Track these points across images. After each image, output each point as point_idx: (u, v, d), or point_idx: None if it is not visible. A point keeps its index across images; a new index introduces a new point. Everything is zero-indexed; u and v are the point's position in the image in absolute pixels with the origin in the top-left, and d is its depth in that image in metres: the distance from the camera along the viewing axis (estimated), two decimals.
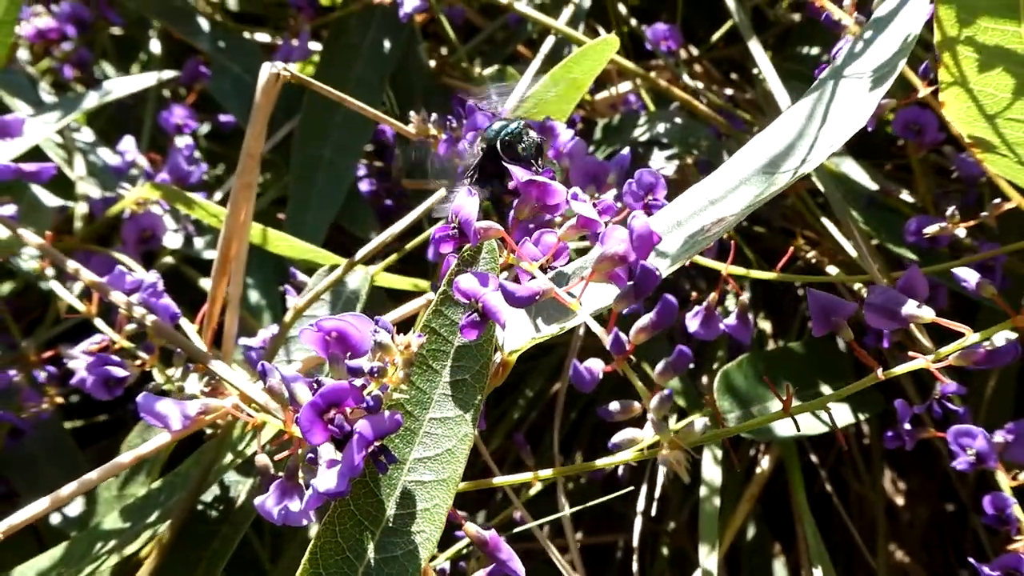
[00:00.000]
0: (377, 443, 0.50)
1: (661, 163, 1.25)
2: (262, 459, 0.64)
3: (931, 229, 0.85)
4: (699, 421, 0.60)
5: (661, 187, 0.84)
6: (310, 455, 0.55)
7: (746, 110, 1.36)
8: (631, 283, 0.48)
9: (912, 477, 1.33)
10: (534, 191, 0.61)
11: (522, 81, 1.04)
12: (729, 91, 1.39)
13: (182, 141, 1.07)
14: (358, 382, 0.52)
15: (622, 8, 1.30)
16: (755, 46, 1.09)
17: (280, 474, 0.60)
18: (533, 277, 0.60)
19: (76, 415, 1.16)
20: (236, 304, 0.81)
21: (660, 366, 0.44)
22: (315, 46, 1.32)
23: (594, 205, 0.58)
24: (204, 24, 1.29)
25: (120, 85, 1.04)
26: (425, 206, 0.87)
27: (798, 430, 0.71)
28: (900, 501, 1.33)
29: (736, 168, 0.71)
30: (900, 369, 0.65)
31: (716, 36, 1.36)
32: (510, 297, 0.49)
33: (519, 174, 0.61)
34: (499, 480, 0.64)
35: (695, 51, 1.40)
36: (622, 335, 0.46)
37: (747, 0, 1.19)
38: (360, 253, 0.82)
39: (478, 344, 0.56)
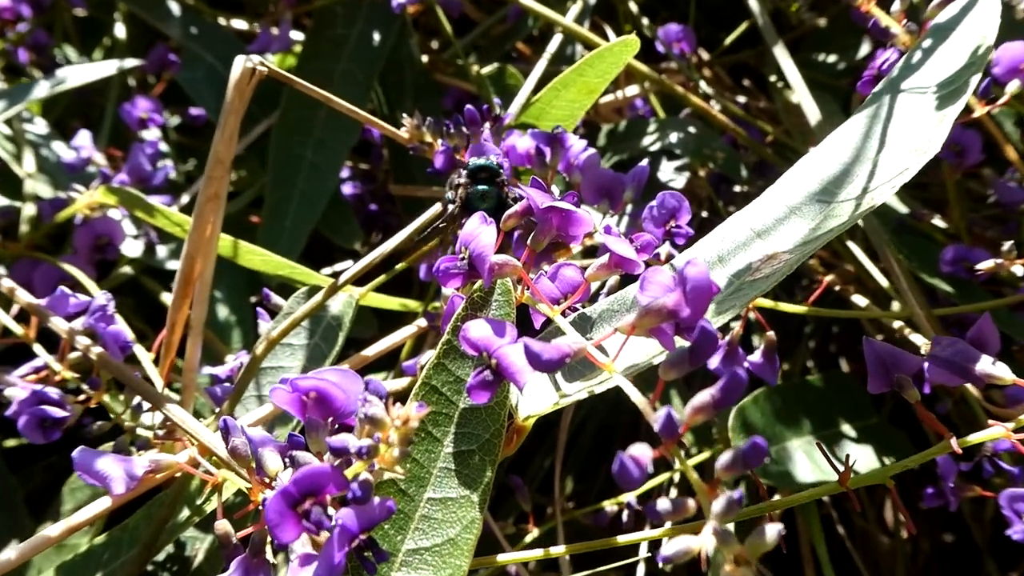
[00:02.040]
0: (363, 536, 0.40)
1: (670, 174, 1.15)
2: (223, 526, 0.53)
3: (985, 265, 0.76)
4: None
5: (685, 211, 0.74)
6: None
7: (760, 119, 1.27)
8: (686, 349, 0.38)
9: (911, 508, 1.26)
10: (555, 218, 0.51)
11: (526, 85, 0.94)
12: (742, 98, 1.30)
13: (146, 137, 0.96)
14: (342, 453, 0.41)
15: (633, 6, 1.20)
16: (781, 52, 0.99)
17: (244, 547, 0.49)
18: (549, 321, 0.50)
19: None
20: (199, 330, 0.71)
21: (726, 459, 0.35)
22: (297, 35, 1.22)
23: (630, 240, 0.48)
24: (175, 8, 1.17)
25: (75, 74, 0.93)
26: (417, 223, 0.77)
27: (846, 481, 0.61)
28: (902, 534, 1.26)
29: (784, 193, 0.61)
30: (977, 437, 0.56)
31: (730, 39, 1.27)
32: (535, 359, 0.39)
33: (538, 198, 0.51)
34: (504, 558, 0.54)
35: (705, 55, 1.30)
36: (675, 414, 0.36)
37: (767, 1, 1.10)
38: (344, 276, 0.72)
39: (488, 407, 0.46)
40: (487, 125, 0.82)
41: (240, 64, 0.65)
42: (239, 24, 1.26)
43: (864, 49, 1.30)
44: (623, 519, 0.90)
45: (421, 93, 1.16)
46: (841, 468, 0.97)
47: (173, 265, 0.95)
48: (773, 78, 1.20)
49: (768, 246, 0.57)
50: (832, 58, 1.31)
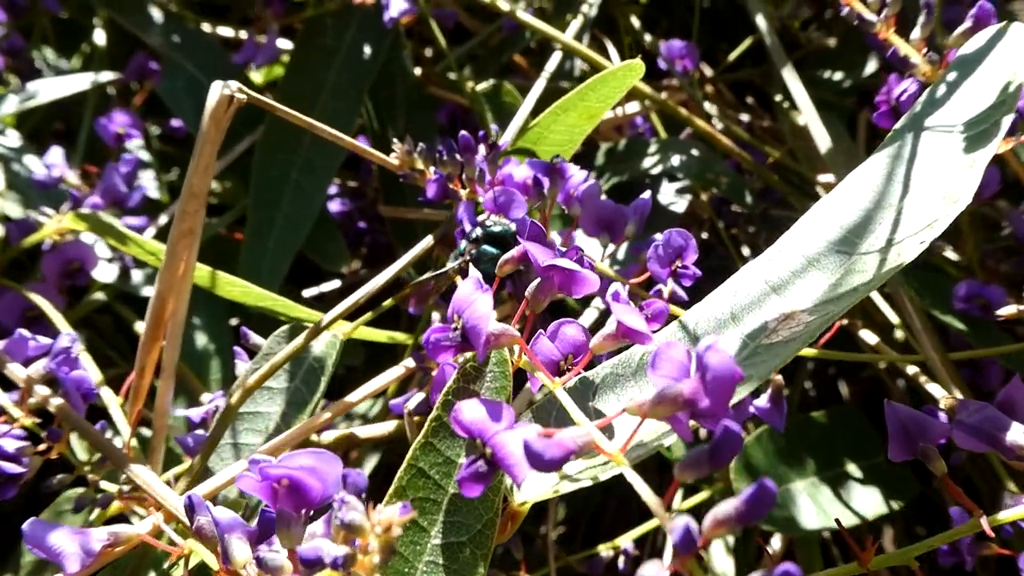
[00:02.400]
0: None
1: (671, 197, 1.11)
2: None
3: (1006, 311, 0.71)
4: None
5: (692, 250, 0.70)
6: None
7: (763, 139, 1.23)
8: (705, 451, 0.34)
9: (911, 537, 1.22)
10: (557, 277, 0.47)
11: (523, 106, 0.89)
12: (745, 116, 1.26)
13: (123, 154, 0.91)
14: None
15: (635, 20, 1.15)
16: (789, 74, 0.95)
17: None
18: (544, 386, 0.45)
19: None
20: (171, 373, 0.66)
21: (731, 509, 0.30)
22: (285, 44, 1.17)
23: (640, 307, 0.44)
24: (156, 15, 1.12)
25: (47, 88, 0.88)
26: (408, 258, 0.72)
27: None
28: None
29: (801, 242, 0.57)
30: (1008, 516, 0.52)
31: (733, 55, 1.22)
32: (536, 459, 0.35)
33: (540, 255, 0.46)
34: None
35: (708, 71, 1.26)
36: (693, 526, 0.32)
37: (774, 19, 1.05)
38: (328, 317, 0.67)
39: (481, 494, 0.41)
40: (482, 151, 0.77)
41: (217, 91, 0.60)
42: (225, 31, 1.21)
43: (871, 67, 1.26)
44: (619, 565, 0.86)
45: (414, 107, 1.12)
46: (846, 512, 0.93)
47: (150, 291, 0.89)
48: (779, 98, 1.16)
49: (785, 303, 0.52)
50: (838, 75, 1.27)
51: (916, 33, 0.74)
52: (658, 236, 0.76)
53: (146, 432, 0.80)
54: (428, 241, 0.75)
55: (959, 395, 0.77)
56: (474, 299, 0.41)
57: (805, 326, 0.49)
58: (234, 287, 0.79)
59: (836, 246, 0.56)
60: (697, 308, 0.54)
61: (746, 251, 1.25)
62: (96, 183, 0.96)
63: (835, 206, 0.59)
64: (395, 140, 0.78)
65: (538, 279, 0.47)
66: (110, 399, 0.67)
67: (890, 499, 0.93)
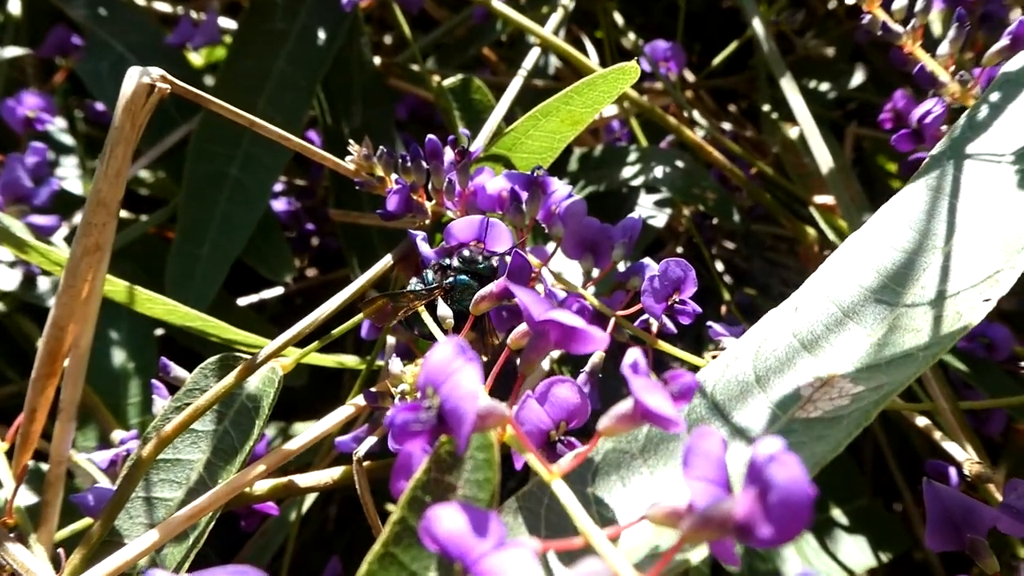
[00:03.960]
0: None
1: (649, 210, 1.02)
2: None
3: None
4: None
5: (691, 283, 0.61)
6: None
7: (746, 151, 1.15)
8: None
9: None
10: (554, 333, 0.37)
11: (498, 108, 0.80)
12: (727, 125, 1.18)
13: (31, 144, 0.78)
14: None
15: (618, 17, 1.06)
16: (788, 85, 0.87)
17: None
18: (538, 468, 0.36)
19: None
20: (71, 414, 0.54)
21: None
22: (228, 23, 1.05)
23: (665, 382, 0.34)
24: None
25: None
26: (363, 280, 0.62)
27: None
28: None
29: (831, 287, 0.48)
30: None
31: (718, 59, 1.14)
32: None
33: (534, 306, 0.36)
34: None
35: (689, 76, 1.17)
36: None
37: (771, 24, 0.97)
38: (266, 351, 0.57)
39: None
40: (450, 156, 0.67)
41: (134, 79, 0.49)
42: (161, 6, 1.09)
43: (858, 78, 1.19)
44: None
45: (371, 100, 1.01)
46: (832, 564, 0.86)
47: None
48: (767, 108, 1.08)
49: (819, 365, 0.44)
50: (824, 86, 1.20)
51: (944, 48, 0.66)
52: (651, 264, 0.68)
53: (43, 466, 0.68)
54: (387, 261, 0.64)
55: (972, 451, 0.69)
56: (456, 370, 0.31)
57: (852, 400, 0.40)
58: (155, 304, 0.67)
59: (874, 294, 0.47)
60: (715, 367, 0.45)
61: (722, 267, 1.18)
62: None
63: (867, 245, 0.51)
64: (351, 141, 0.67)
65: (530, 335, 0.38)
66: None
67: (878, 549, 0.86)
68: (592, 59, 1.10)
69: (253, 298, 1.05)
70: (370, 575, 0.32)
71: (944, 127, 0.67)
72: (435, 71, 1.08)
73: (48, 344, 0.52)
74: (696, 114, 0.96)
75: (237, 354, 0.59)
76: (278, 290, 1.06)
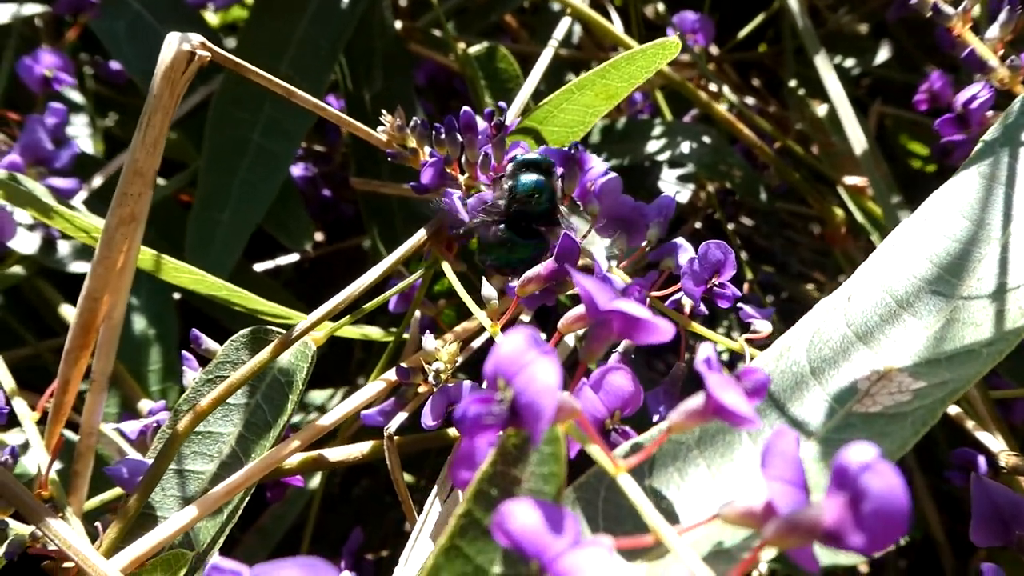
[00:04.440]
0: None
1: (672, 185, 1.01)
2: None
3: None
4: None
5: (731, 266, 0.60)
6: None
7: (770, 124, 1.13)
8: None
9: None
10: (617, 324, 0.36)
11: (529, 80, 0.78)
12: (750, 100, 1.16)
13: (49, 104, 0.76)
14: None
15: None
16: (823, 63, 0.85)
17: None
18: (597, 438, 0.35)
19: None
20: (102, 385, 0.54)
21: None
22: None
23: (736, 377, 0.34)
24: None
25: None
26: (394, 258, 0.61)
27: None
28: None
29: (884, 276, 0.47)
30: None
31: (744, 32, 1.12)
32: None
33: (599, 295, 0.36)
34: None
35: (714, 48, 1.15)
36: None
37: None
38: (300, 328, 0.56)
39: None
40: (483, 128, 0.66)
41: (174, 46, 0.47)
42: None
43: (883, 54, 1.17)
44: None
45: (392, 65, 0.98)
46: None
47: (78, 267, 0.76)
48: (793, 83, 1.06)
49: (876, 358, 0.43)
50: (849, 62, 1.18)
51: (994, 31, 0.65)
52: (683, 244, 0.67)
53: (71, 435, 0.68)
54: (420, 236, 0.63)
55: (1002, 441, 0.69)
56: (530, 361, 0.30)
57: (915, 396, 0.39)
58: (181, 273, 0.66)
59: (930, 285, 0.46)
60: (767, 356, 0.45)
61: (739, 242, 1.17)
62: (17, 135, 0.82)
63: (920, 233, 0.50)
64: (383, 111, 0.65)
65: (592, 323, 0.37)
66: (24, 414, 0.55)
67: None
68: (617, 27, 1.08)
69: (269, 264, 1.04)
70: (436, 567, 0.31)
71: (990, 112, 0.65)
72: (456, 37, 1.06)
73: (82, 316, 0.51)
74: (725, 89, 0.95)
75: (268, 327, 0.59)
76: (294, 256, 1.04)
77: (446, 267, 0.62)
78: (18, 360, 0.82)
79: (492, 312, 0.51)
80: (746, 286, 1.01)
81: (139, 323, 0.81)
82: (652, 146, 0.96)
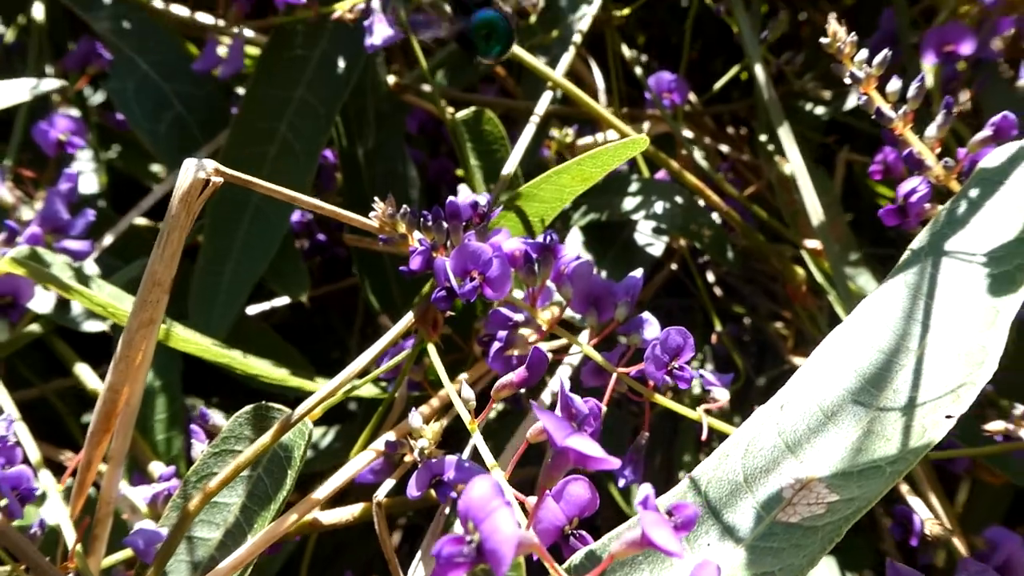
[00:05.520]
0: None
1: (648, 237, 1.07)
2: None
3: (995, 427, 0.71)
4: None
5: (690, 349, 0.67)
6: None
7: (743, 174, 1.20)
8: None
9: None
10: (572, 454, 0.42)
11: (512, 155, 0.84)
12: (724, 147, 1.22)
13: (64, 171, 0.82)
14: None
15: (626, 50, 1.10)
16: (786, 135, 0.91)
17: None
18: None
19: None
20: (120, 461, 0.60)
21: None
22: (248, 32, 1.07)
23: (670, 515, 0.40)
24: None
25: None
26: (389, 337, 0.67)
27: None
28: None
29: (815, 386, 0.54)
30: None
31: (719, 85, 1.18)
32: None
33: (556, 432, 0.42)
34: None
35: (692, 95, 1.21)
36: None
37: (772, 68, 1.01)
38: (300, 411, 0.62)
39: None
40: (470, 220, 0.72)
41: (191, 173, 0.53)
42: (179, 9, 1.11)
43: (852, 101, 1.23)
44: None
45: (383, 121, 1.05)
46: None
47: (90, 326, 0.82)
48: (764, 138, 1.12)
49: (801, 468, 0.50)
50: (819, 109, 1.24)
51: (932, 131, 0.71)
52: (649, 319, 0.73)
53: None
54: (407, 320, 0.69)
55: (935, 500, 0.76)
56: (493, 510, 0.37)
57: (827, 510, 0.46)
58: (189, 343, 0.72)
59: (853, 396, 0.53)
60: (707, 464, 0.51)
61: (712, 278, 1.23)
62: (33, 192, 0.88)
63: (850, 343, 0.56)
64: (375, 200, 0.71)
65: (551, 452, 0.43)
66: (49, 484, 0.61)
67: (846, 569, 0.94)
68: (599, 82, 1.14)
69: (264, 306, 1.10)
70: None
71: (928, 205, 0.72)
72: (445, 88, 1.12)
73: (105, 406, 0.57)
74: (697, 154, 1.01)
75: (269, 404, 0.65)
76: (285, 299, 1.10)
77: (431, 350, 0.68)
78: (26, 401, 0.88)
79: (471, 409, 0.57)
80: (714, 337, 1.08)
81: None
82: (628, 203, 1.03)
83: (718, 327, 1.04)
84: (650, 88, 1.06)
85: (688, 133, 1.14)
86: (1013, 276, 0.56)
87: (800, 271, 0.99)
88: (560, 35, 1.08)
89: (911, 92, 0.70)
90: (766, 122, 1.16)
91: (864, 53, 0.72)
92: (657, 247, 1.06)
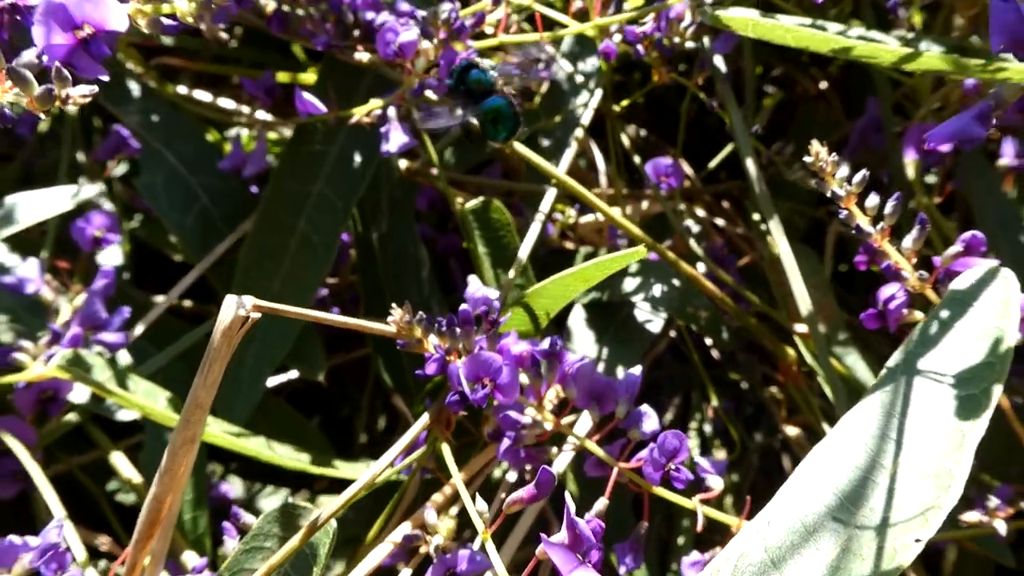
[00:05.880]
0: None
1: (647, 314, 1.13)
2: None
3: (970, 517, 0.76)
4: None
5: (684, 451, 0.72)
6: None
7: (737, 246, 1.25)
8: None
9: None
10: None
11: (520, 252, 0.90)
12: (720, 221, 1.28)
13: (101, 268, 0.88)
14: None
15: (625, 139, 1.16)
16: (776, 227, 0.97)
17: None
18: None
19: None
20: (160, 560, 0.65)
21: None
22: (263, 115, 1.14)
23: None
24: (134, 87, 1.08)
25: (26, 209, 0.83)
26: (402, 444, 0.72)
27: None
28: None
29: (798, 502, 0.59)
30: None
31: (713, 163, 1.25)
32: None
33: (563, 566, 0.47)
34: None
35: (687, 168, 1.27)
36: None
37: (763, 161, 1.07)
38: (326, 513, 0.67)
39: None
40: (480, 327, 0.78)
41: (232, 310, 0.59)
42: (201, 95, 1.17)
43: (843, 171, 1.29)
44: None
45: (396, 206, 1.11)
46: None
47: (125, 415, 0.88)
48: (757, 217, 1.18)
49: None
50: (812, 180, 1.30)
51: (908, 243, 0.77)
52: (648, 412, 0.79)
53: None
54: (423, 421, 0.75)
55: None
56: None
57: None
58: (217, 437, 0.78)
59: (832, 513, 0.58)
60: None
61: (710, 341, 1.28)
62: (68, 282, 0.94)
63: (830, 460, 0.62)
64: (393, 306, 0.77)
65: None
66: None
67: None
68: (600, 168, 1.21)
69: (282, 378, 1.15)
70: None
71: (905, 311, 0.77)
72: (452, 169, 1.18)
73: (149, 515, 0.62)
74: (692, 241, 1.07)
75: (297, 504, 0.70)
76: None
77: (445, 451, 0.74)
78: (58, 472, 0.93)
79: (485, 519, 0.63)
80: (710, 411, 1.13)
81: None
82: (628, 284, 1.08)
83: (714, 402, 1.10)
84: (648, 172, 1.12)
85: (684, 206, 1.20)
86: (979, 400, 0.61)
87: (791, 352, 1.04)
88: (563, 119, 1.15)
89: (888, 209, 0.76)
90: (757, 206, 1.22)
91: (845, 170, 0.78)
92: (656, 323, 1.12)
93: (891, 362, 0.67)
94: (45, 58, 0.52)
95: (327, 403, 1.29)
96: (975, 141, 0.50)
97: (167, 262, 1.20)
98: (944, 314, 0.69)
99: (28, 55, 0.44)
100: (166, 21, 0.60)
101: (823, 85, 1.35)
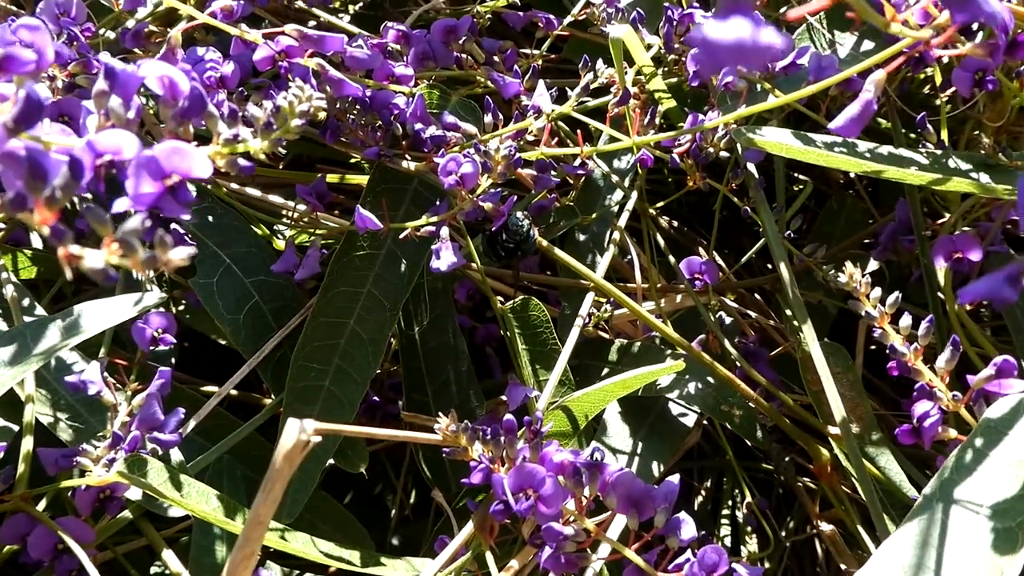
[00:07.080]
0: None
1: (681, 408, 1.15)
2: None
3: None
4: None
5: (724, 564, 0.74)
6: None
7: (771, 336, 1.27)
8: None
9: None
10: None
11: (560, 360, 0.93)
12: (752, 312, 1.31)
13: (159, 369, 0.92)
14: None
15: (660, 239, 1.20)
16: (809, 332, 1.00)
17: None
18: None
19: None
20: None
21: None
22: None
23: None
24: (190, 187, 1.13)
25: (91, 318, 0.87)
26: (447, 555, 0.75)
27: None
28: None
29: None
30: None
31: (745, 258, 1.28)
32: None
33: None
34: None
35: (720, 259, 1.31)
36: None
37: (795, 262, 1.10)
38: None
39: None
40: (522, 435, 0.81)
41: (294, 434, 0.62)
42: (252, 191, 1.22)
43: (872, 264, 1.31)
44: None
45: (436, 301, 1.15)
46: None
47: (175, 512, 0.91)
48: (789, 312, 1.20)
49: None
50: (834, 270, 1.32)
51: (941, 363, 0.79)
52: (686, 519, 0.81)
53: None
54: (468, 530, 0.77)
55: None
56: None
57: None
58: (267, 540, 0.81)
59: None
60: None
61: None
62: (126, 380, 0.97)
63: None
64: (439, 415, 0.80)
65: None
66: None
67: None
68: (634, 261, 1.24)
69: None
70: None
71: (940, 429, 0.79)
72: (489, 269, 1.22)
73: None
74: (727, 343, 1.09)
75: None
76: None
77: (489, 559, 0.76)
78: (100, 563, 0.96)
79: None
80: (744, 507, 1.14)
81: (220, 551, 0.95)
82: (663, 380, 1.10)
83: (748, 498, 1.11)
84: (683, 270, 1.15)
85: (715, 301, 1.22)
86: (1015, 534, 0.63)
87: (825, 452, 1.06)
88: (599, 216, 1.19)
89: (921, 331, 0.79)
90: (790, 306, 1.24)
91: (878, 292, 0.81)
92: (690, 418, 1.14)
93: (927, 489, 0.69)
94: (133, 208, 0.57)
95: (360, 479, 1.32)
96: (1006, 303, 0.53)
97: (209, 343, 1.25)
98: (979, 442, 0.71)
99: (134, 222, 0.48)
100: (242, 162, 0.65)
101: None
